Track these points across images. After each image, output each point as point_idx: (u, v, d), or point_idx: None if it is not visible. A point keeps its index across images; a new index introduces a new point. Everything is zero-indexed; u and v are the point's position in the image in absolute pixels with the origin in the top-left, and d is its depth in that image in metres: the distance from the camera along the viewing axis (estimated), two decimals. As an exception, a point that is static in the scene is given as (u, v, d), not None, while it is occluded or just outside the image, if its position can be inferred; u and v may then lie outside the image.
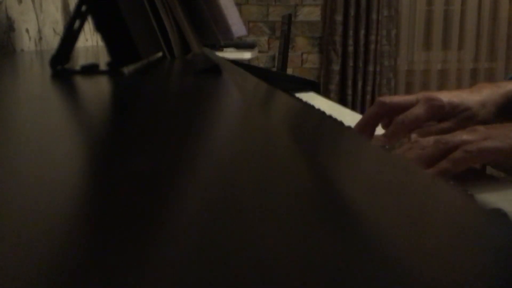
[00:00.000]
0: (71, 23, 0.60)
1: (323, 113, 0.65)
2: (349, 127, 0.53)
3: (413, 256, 0.11)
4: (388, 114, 0.60)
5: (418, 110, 0.57)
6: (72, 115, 0.31)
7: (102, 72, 0.58)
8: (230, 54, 2.52)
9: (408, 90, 3.67)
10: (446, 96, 0.57)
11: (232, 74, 0.68)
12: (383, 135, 0.59)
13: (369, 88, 3.54)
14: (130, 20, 0.61)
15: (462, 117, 0.57)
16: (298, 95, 1.00)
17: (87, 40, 1.73)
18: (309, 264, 0.10)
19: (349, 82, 3.52)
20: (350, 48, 3.48)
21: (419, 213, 0.14)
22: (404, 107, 0.59)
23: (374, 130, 0.62)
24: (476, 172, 0.50)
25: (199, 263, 0.10)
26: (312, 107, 0.69)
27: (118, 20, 0.59)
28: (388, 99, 0.61)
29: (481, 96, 0.58)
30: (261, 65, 3.53)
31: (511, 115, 0.59)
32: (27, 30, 1.13)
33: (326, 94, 3.51)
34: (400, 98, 0.60)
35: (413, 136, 0.58)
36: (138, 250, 0.10)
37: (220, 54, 2.00)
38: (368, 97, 3.55)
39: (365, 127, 0.61)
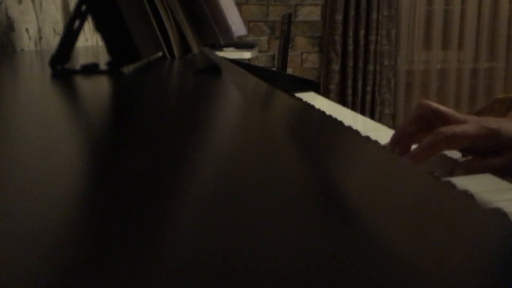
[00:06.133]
0: (71, 23, 0.60)
1: (323, 113, 0.65)
2: (349, 127, 0.53)
3: (413, 256, 0.11)
4: (430, 119, 0.51)
5: (468, 127, 0.48)
6: (72, 114, 0.31)
7: (102, 72, 0.58)
8: (230, 54, 2.52)
9: (408, 90, 3.67)
10: (497, 123, 0.49)
11: (232, 74, 0.68)
12: (417, 147, 0.50)
13: (369, 88, 3.54)
14: (130, 20, 0.61)
15: None
16: (298, 95, 1.00)
17: (87, 40, 1.73)
18: (310, 263, 0.10)
19: (349, 82, 3.52)
20: (350, 48, 3.48)
21: (419, 213, 0.14)
22: (449, 119, 0.51)
23: (414, 135, 0.53)
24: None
25: (199, 263, 0.10)
26: (312, 107, 0.69)
27: (118, 20, 0.59)
28: (434, 104, 0.52)
29: None
30: (261, 64, 3.53)
31: None
32: (27, 30, 1.13)
33: (326, 94, 3.51)
34: (447, 109, 0.52)
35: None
36: (138, 249, 0.10)
37: (220, 54, 2.00)
38: (368, 97, 3.55)
39: (405, 132, 0.52)
